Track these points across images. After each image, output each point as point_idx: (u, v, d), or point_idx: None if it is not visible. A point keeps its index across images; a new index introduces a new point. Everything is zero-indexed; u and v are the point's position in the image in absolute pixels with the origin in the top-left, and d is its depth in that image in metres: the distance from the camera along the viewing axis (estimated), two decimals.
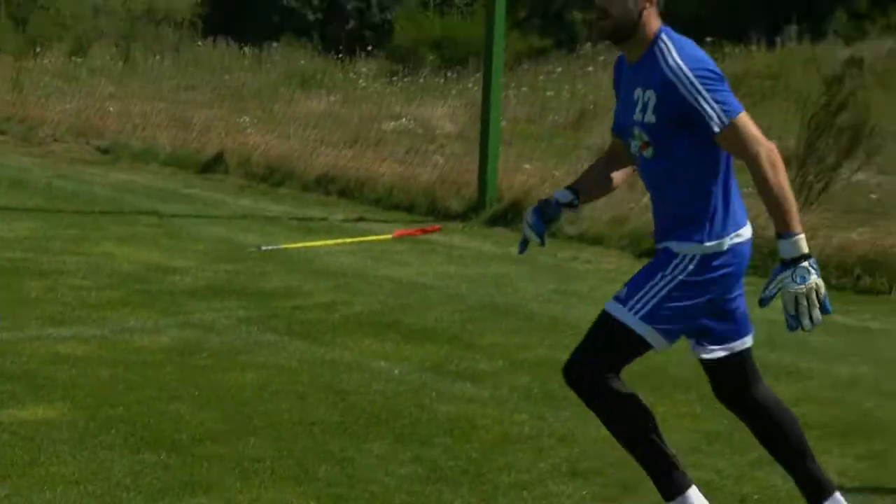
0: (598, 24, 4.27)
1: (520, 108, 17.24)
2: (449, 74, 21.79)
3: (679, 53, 4.15)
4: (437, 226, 11.07)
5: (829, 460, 5.43)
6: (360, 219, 11.57)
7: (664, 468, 4.37)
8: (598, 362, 4.31)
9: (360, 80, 21.46)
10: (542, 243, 4.62)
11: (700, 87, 4.08)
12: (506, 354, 6.98)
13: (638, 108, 4.22)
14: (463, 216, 11.52)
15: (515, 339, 7.34)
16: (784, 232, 4.12)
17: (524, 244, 4.66)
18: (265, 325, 7.51)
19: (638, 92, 4.22)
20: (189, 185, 13.29)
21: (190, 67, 23.54)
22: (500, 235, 10.85)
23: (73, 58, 24.76)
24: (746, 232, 4.38)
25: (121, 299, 8.07)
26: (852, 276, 8.81)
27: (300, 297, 8.30)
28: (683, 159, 4.23)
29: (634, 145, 4.32)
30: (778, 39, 21.64)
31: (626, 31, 4.21)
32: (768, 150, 4.11)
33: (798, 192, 10.30)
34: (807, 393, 6.42)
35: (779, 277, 4.14)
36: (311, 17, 31.84)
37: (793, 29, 22.15)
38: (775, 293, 4.16)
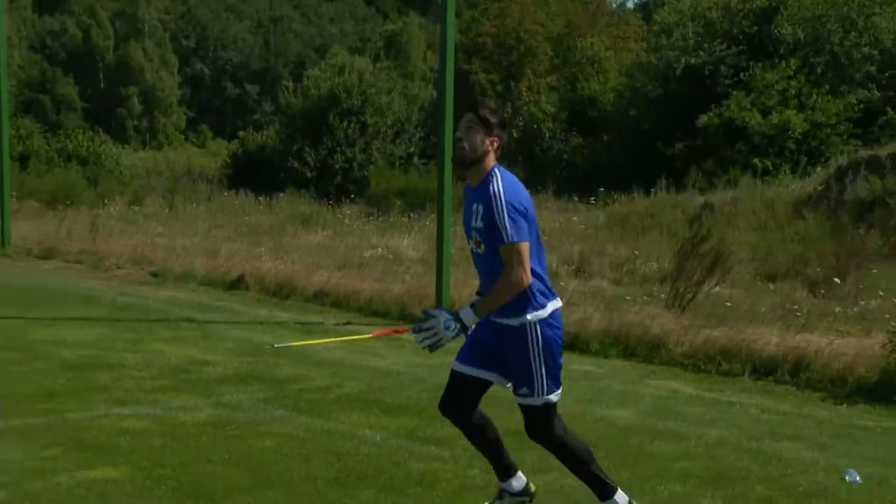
0: (457, 151, 4.57)
1: (465, 239, 17.31)
2: (411, 215, 21.95)
3: (503, 184, 4.45)
4: (406, 327, 11.01)
5: (704, 502, 5.39)
6: (348, 323, 11.50)
7: (604, 481, 4.69)
8: (550, 429, 4.60)
9: (346, 220, 21.58)
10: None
11: (505, 212, 4.37)
12: None
13: (473, 217, 4.52)
14: None
15: None
16: (478, 312, 4.46)
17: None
18: (278, 403, 7.41)
19: (475, 206, 4.51)
20: (219, 299, 13.20)
21: (218, 212, 23.62)
22: None
23: (132, 206, 24.80)
24: (559, 302, 4.62)
25: (168, 385, 7.94)
26: (715, 362, 8.81)
27: (304, 382, 8.20)
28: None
29: (472, 244, 4.60)
30: (652, 190, 21.97)
31: (473, 161, 4.53)
32: (520, 276, 4.39)
33: (673, 301, 10.37)
34: (686, 451, 6.37)
35: (445, 316, 4.47)
36: (308, 174, 32.08)
37: (662, 182, 22.52)
38: (427, 328, 4.48)
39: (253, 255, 15.43)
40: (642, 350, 9.34)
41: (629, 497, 4.77)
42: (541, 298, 4.49)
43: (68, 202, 24.45)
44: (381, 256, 15.55)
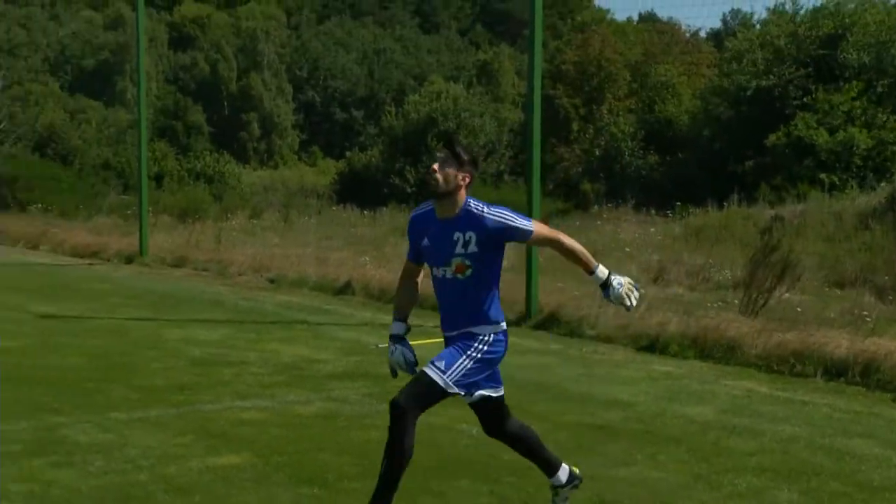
0: (430, 179, 4.34)
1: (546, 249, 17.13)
2: None
3: (488, 209, 4.31)
4: None
5: (780, 495, 5.20)
6: None
7: (391, 491, 4.41)
8: (418, 409, 4.36)
9: None
10: (415, 372, 4.56)
11: (511, 218, 4.26)
12: (548, 418, 6.81)
13: (459, 245, 4.29)
14: (515, 323, 11.31)
15: (555, 407, 7.17)
16: (590, 270, 4.32)
17: (396, 372, 4.70)
18: (382, 398, 7.38)
19: (457, 235, 4.29)
20: (328, 303, 13.29)
21: (328, 225, 23.81)
22: (541, 336, 10.64)
23: (251, 220, 25.20)
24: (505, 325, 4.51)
25: (284, 381, 8.01)
26: (788, 364, 8.54)
27: (406, 379, 8.15)
28: (489, 271, 4.33)
29: (448, 271, 4.36)
30: (725, 204, 21.53)
31: (445, 193, 4.31)
32: (561, 235, 4.35)
33: (746, 306, 10.10)
34: (761, 446, 6.17)
35: (608, 295, 4.32)
36: (408, 189, 32.28)
37: (734, 197, 22.07)
38: (616, 302, 4.31)
39: (359, 264, 15.51)
40: (718, 352, 9.10)
41: None
42: (502, 314, 4.43)
43: (196, 216, 24.96)
44: None
